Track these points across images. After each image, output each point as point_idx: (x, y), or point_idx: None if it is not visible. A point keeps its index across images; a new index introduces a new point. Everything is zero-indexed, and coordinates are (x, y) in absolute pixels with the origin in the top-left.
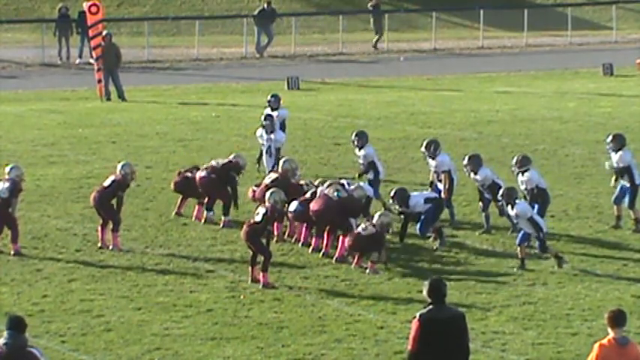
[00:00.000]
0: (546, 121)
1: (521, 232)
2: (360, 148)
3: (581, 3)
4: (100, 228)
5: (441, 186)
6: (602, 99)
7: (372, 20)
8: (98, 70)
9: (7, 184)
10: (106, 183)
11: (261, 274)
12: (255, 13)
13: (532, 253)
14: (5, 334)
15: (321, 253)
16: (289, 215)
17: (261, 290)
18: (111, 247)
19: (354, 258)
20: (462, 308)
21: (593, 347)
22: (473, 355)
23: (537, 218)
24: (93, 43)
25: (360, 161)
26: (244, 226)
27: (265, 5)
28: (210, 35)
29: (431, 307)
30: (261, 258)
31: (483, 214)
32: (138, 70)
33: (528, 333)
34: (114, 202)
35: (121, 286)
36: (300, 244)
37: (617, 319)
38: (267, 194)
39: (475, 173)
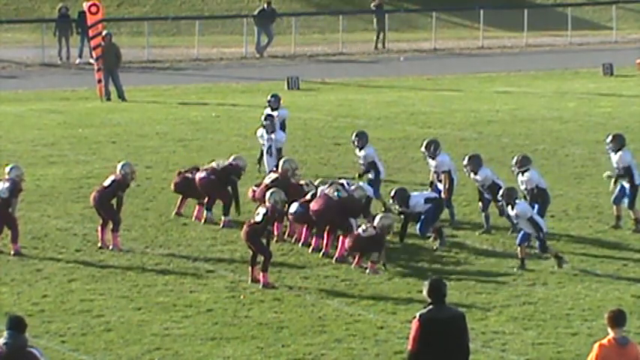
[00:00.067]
0: (546, 121)
1: (522, 232)
2: (360, 149)
3: (581, 3)
4: (100, 228)
5: (441, 186)
6: (602, 99)
7: (375, 20)
8: (98, 70)
9: (7, 184)
10: (106, 183)
11: (261, 274)
12: (255, 13)
13: (532, 253)
14: (5, 334)
15: (321, 253)
16: (290, 216)
17: (261, 290)
18: (111, 247)
19: (354, 258)
20: (462, 308)
21: (593, 347)
22: (473, 355)
23: (537, 218)
24: (93, 43)
25: (361, 162)
26: (244, 226)
27: (265, 5)
28: (210, 35)
29: (431, 307)
30: (261, 258)
31: (483, 214)
32: (138, 70)
33: (528, 333)
34: (114, 202)
35: (121, 286)
36: (300, 244)
37: (617, 319)
38: (268, 194)
39: (475, 173)
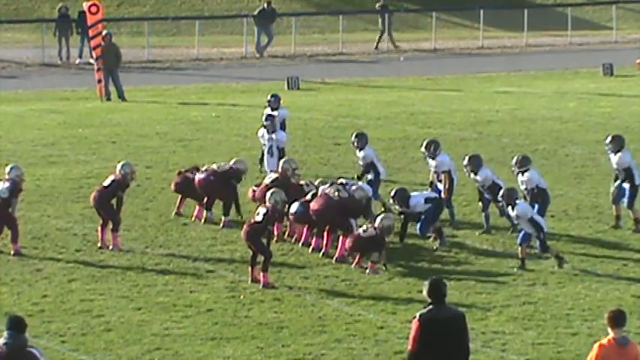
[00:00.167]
0: (546, 121)
1: (522, 232)
2: (360, 150)
3: (581, 3)
4: (100, 228)
5: (441, 186)
6: (602, 99)
7: (379, 20)
8: (98, 70)
9: (7, 184)
10: (106, 183)
11: (261, 274)
12: (255, 13)
13: (532, 253)
14: (5, 334)
15: (321, 253)
16: (290, 216)
17: (261, 290)
18: (111, 247)
19: (354, 258)
20: (462, 308)
21: (593, 347)
22: (473, 355)
23: (538, 218)
24: (93, 43)
25: (360, 162)
26: (245, 226)
27: (265, 5)
28: (210, 35)
29: (431, 307)
30: (261, 258)
31: (483, 214)
32: (138, 70)
33: (528, 333)
34: (114, 202)
35: (121, 286)
36: (300, 244)
37: (617, 319)
38: (268, 194)
39: (475, 174)
